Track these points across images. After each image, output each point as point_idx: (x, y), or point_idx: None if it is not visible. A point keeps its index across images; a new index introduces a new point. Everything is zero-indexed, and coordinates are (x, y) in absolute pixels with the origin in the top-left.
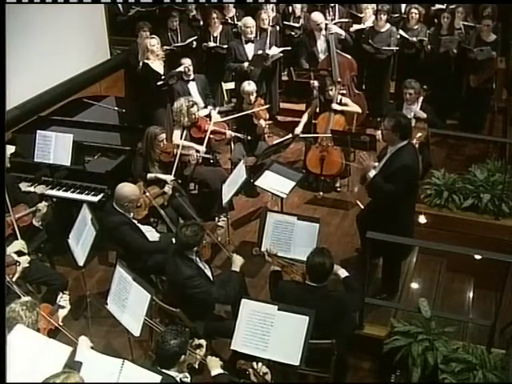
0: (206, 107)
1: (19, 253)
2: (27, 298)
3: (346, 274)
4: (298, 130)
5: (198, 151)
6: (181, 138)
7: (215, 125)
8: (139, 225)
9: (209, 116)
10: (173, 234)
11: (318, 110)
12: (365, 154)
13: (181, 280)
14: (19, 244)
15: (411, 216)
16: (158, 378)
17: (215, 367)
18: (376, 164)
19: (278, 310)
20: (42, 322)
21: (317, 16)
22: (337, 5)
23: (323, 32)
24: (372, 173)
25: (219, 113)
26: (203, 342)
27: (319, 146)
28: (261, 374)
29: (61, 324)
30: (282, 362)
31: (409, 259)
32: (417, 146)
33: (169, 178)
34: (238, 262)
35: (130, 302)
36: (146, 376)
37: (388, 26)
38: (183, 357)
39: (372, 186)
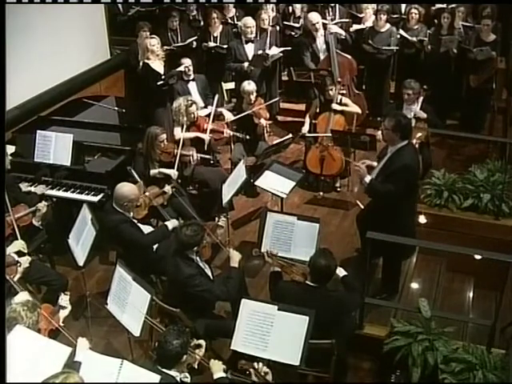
0: (205, 107)
1: (19, 253)
2: (28, 299)
3: (344, 272)
4: (305, 129)
5: (197, 151)
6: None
7: (214, 124)
8: (139, 224)
9: (213, 114)
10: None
11: (317, 110)
12: (359, 164)
13: (181, 279)
14: (19, 244)
15: (412, 216)
16: (157, 377)
17: (218, 371)
18: (375, 164)
19: (278, 310)
20: (42, 322)
21: (313, 16)
22: (337, 5)
23: (321, 32)
24: (368, 178)
25: (220, 113)
26: (202, 342)
27: (319, 146)
28: (262, 373)
29: (62, 325)
30: (282, 362)
31: (409, 259)
32: (417, 146)
33: (173, 172)
34: (235, 257)
35: (130, 302)
36: (145, 376)
37: (388, 25)
38: (184, 357)
39: (370, 191)
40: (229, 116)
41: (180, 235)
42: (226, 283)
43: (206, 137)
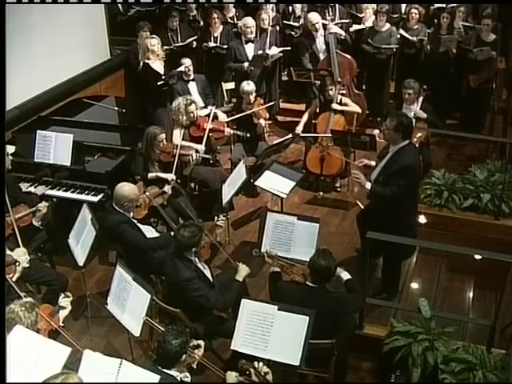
0: (205, 107)
1: None
2: (27, 299)
3: (349, 276)
4: (299, 129)
5: (197, 151)
6: (180, 138)
7: (214, 123)
8: (139, 224)
9: (212, 116)
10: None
11: (318, 110)
12: (358, 172)
13: (180, 282)
14: (21, 252)
15: (413, 216)
16: (156, 377)
17: (231, 380)
18: (373, 163)
19: (278, 310)
20: (42, 322)
21: (312, 16)
22: (337, 5)
23: (321, 32)
24: (368, 185)
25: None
26: (201, 342)
27: (319, 146)
28: (262, 373)
29: (61, 325)
30: (282, 362)
31: (409, 259)
32: (417, 145)
33: (170, 176)
34: (243, 272)
35: (130, 302)
36: (144, 376)
37: (388, 25)
38: (184, 356)
39: (373, 197)
40: (223, 118)
41: (178, 236)
42: (224, 293)
43: (201, 147)
